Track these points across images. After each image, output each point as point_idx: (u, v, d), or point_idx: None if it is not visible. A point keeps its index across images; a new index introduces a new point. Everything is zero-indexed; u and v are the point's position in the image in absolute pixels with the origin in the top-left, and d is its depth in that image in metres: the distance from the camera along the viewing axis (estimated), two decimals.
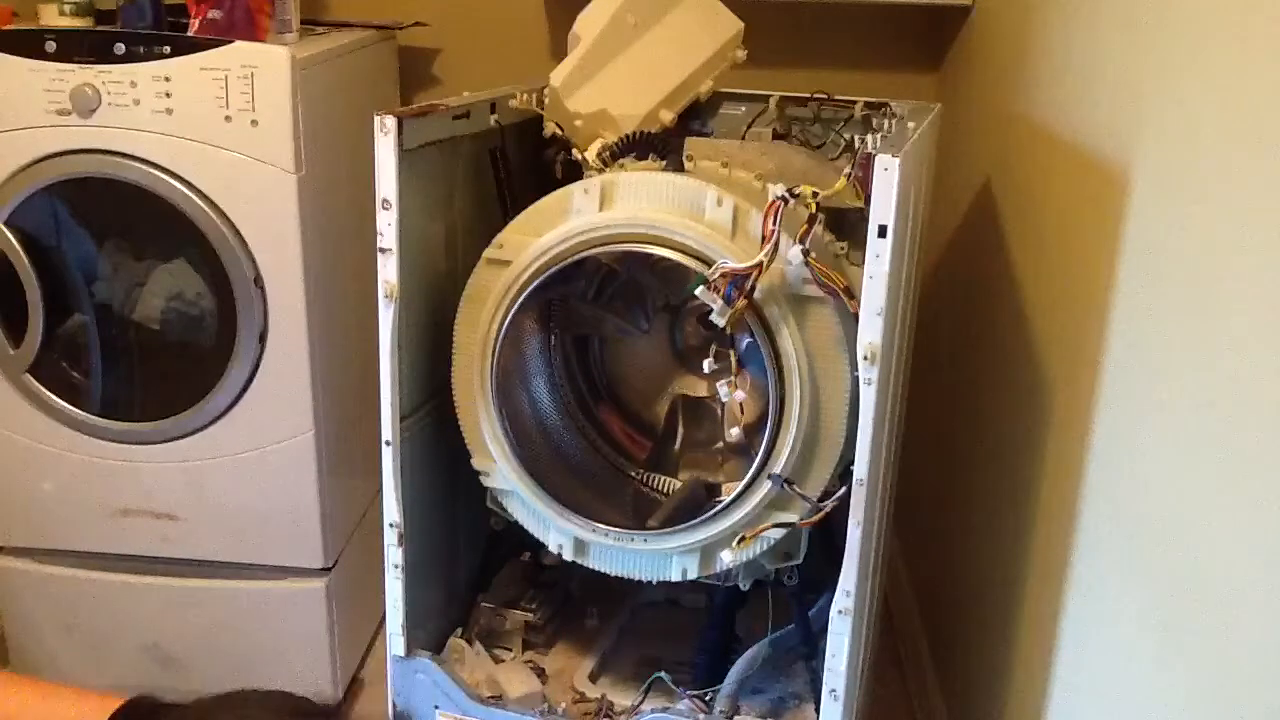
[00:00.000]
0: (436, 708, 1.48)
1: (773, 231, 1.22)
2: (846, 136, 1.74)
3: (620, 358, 1.61)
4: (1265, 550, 0.88)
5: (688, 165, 1.47)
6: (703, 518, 1.37)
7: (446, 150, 1.46)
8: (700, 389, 1.56)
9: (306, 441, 1.95)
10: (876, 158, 1.13)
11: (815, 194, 1.21)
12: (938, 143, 1.81)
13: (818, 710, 1.35)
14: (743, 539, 1.35)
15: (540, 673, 1.59)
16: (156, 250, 1.93)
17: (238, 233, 1.81)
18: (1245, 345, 0.94)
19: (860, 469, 1.22)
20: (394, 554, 1.44)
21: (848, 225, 1.41)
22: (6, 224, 1.84)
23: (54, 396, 1.96)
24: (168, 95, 1.76)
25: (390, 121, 1.30)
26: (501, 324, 1.38)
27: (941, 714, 1.96)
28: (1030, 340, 1.58)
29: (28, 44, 1.77)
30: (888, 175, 1.13)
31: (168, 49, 1.75)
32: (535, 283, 1.35)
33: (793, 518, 1.35)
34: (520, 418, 1.48)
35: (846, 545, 1.25)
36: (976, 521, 1.86)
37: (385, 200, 1.33)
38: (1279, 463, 0.87)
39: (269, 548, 2.02)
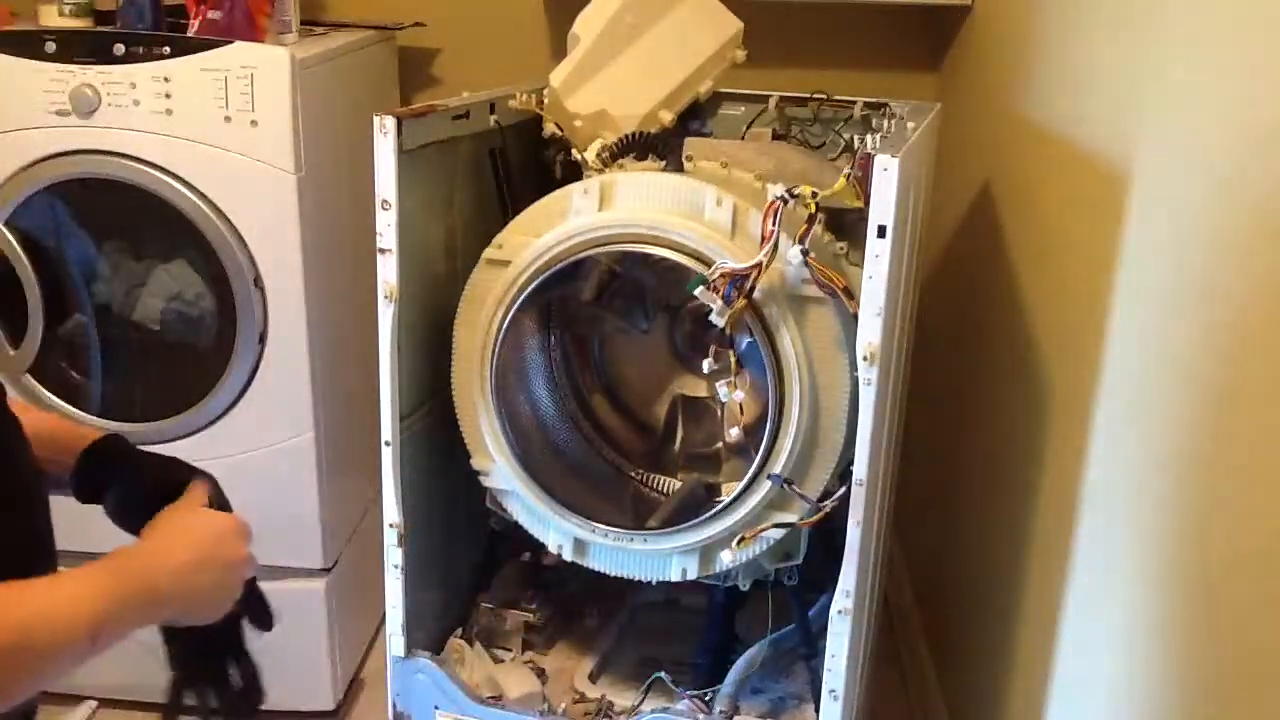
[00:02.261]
0: (436, 708, 1.48)
1: (772, 231, 1.22)
2: (846, 136, 1.74)
3: (620, 358, 1.61)
4: (1265, 550, 0.88)
5: (687, 165, 1.47)
6: (702, 518, 1.37)
7: (446, 150, 1.46)
8: (700, 389, 1.56)
9: (306, 442, 1.95)
10: (876, 158, 1.13)
11: (815, 194, 1.21)
12: (938, 143, 1.81)
13: (818, 710, 1.35)
14: (742, 539, 1.35)
15: (540, 673, 1.59)
16: (156, 251, 1.93)
17: (238, 233, 1.81)
18: (1244, 344, 0.94)
19: (860, 469, 1.22)
20: (394, 554, 1.44)
21: (847, 225, 1.41)
22: (6, 224, 1.84)
23: (54, 397, 1.95)
24: (167, 96, 1.76)
25: (390, 122, 1.30)
26: (501, 324, 1.38)
27: (941, 714, 1.96)
28: (1030, 340, 1.58)
29: (27, 44, 1.77)
30: (887, 175, 1.13)
31: (167, 49, 1.75)
32: (535, 283, 1.35)
33: (792, 518, 1.35)
34: (520, 418, 1.48)
35: (846, 545, 1.26)
36: (976, 521, 1.86)
37: (385, 201, 1.33)
38: (1279, 461, 0.87)
39: (269, 548, 1.99)
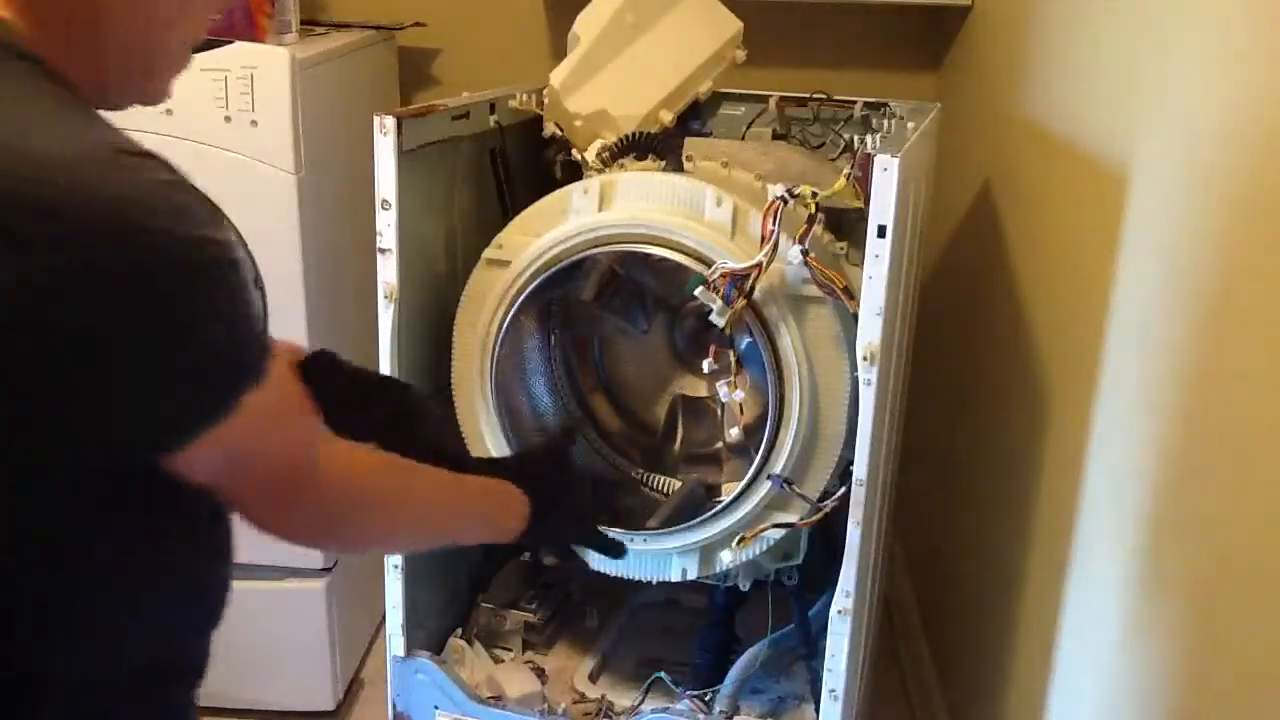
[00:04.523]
0: (436, 708, 1.48)
1: (772, 231, 1.22)
2: (846, 136, 1.74)
3: (620, 358, 1.61)
4: (1265, 550, 0.88)
5: (687, 165, 1.47)
6: (703, 518, 1.37)
7: (446, 150, 1.46)
8: (700, 389, 1.56)
9: None
10: (876, 158, 1.13)
11: (815, 194, 1.21)
12: (938, 143, 1.81)
13: (818, 710, 1.35)
14: (742, 539, 1.35)
15: (540, 673, 1.59)
16: None
17: (237, 232, 1.81)
18: (1245, 344, 0.94)
19: (860, 469, 1.22)
20: (394, 554, 1.44)
21: (847, 225, 1.41)
22: None
23: None
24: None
25: (390, 122, 1.30)
26: (501, 324, 1.38)
27: (941, 714, 1.96)
28: (1030, 340, 1.58)
29: None
30: (887, 175, 1.13)
31: None
32: (535, 283, 1.36)
33: (792, 518, 1.35)
34: (520, 418, 1.48)
35: (846, 545, 1.26)
36: (977, 521, 1.86)
37: (385, 201, 1.33)
38: (1278, 460, 0.87)
39: (269, 548, 2.00)
